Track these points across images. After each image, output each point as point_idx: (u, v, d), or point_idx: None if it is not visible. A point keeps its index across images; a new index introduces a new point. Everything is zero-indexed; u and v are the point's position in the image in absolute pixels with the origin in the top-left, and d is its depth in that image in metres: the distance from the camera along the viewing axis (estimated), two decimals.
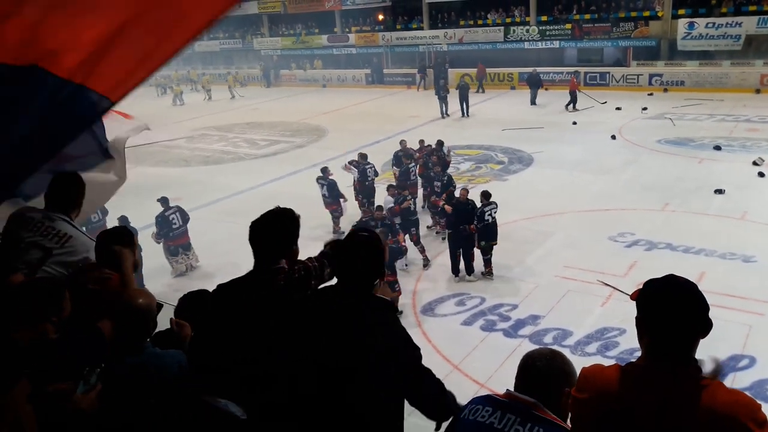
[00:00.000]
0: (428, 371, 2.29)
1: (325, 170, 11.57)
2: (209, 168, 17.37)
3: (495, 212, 9.22)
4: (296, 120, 24.67)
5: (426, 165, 11.96)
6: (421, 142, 13.26)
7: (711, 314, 1.66)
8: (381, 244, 2.35)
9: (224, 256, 9.85)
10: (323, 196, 11.48)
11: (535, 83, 24.11)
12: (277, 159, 18.56)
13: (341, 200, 11.56)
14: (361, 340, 2.15)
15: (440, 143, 12.85)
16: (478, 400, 2.00)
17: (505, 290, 8.86)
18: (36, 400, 2.29)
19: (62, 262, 3.01)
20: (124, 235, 3.04)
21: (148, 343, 2.60)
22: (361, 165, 11.91)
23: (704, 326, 1.65)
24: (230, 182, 15.55)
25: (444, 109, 22.75)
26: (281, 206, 2.56)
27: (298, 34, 38.94)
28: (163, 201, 10.07)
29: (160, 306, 2.83)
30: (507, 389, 1.98)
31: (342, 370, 2.14)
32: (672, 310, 1.65)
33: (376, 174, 12.07)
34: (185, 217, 10.14)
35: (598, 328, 7.51)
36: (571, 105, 22.26)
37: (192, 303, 3.17)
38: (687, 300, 1.66)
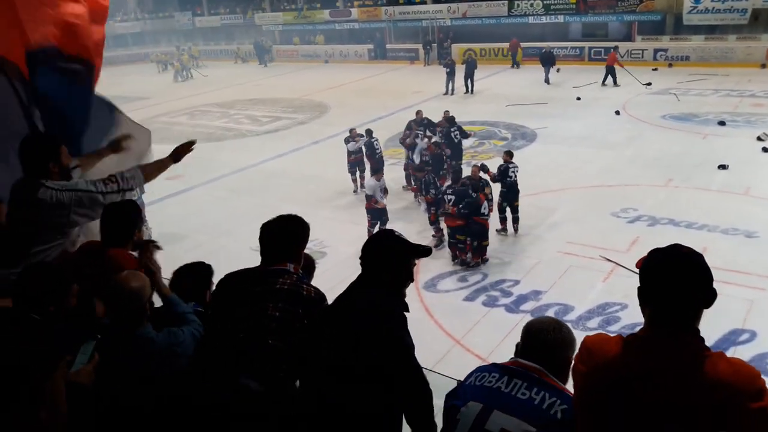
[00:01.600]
0: (420, 383, 2.27)
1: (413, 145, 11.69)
2: (211, 145, 17.30)
3: (517, 172, 9.51)
4: (298, 96, 24.49)
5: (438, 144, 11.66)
6: (446, 113, 12.51)
7: None
8: (390, 243, 2.35)
9: (215, 232, 9.90)
10: (411, 161, 11.62)
11: (548, 60, 23.23)
12: (279, 135, 18.47)
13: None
14: (355, 336, 2.20)
15: (452, 119, 12.29)
16: (483, 368, 2.06)
17: (507, 266, 8.88)
18: None
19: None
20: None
21: (147, 325, 2.54)
22: (368, 140, 12.00)
23: (708, 296, 1.63)
24: (232, 159, 15.51)
25: (451, 86, 22.23)
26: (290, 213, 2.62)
27: (299, 8, 38.45)
28: None
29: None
30: (512, 357, 2.04)
31: (337, 366, 2.20)
32: (675, 278, 1.64)
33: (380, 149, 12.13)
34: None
35: (600, 303, 7.54)
36: (611, 80, 21.42)
37: (188, 275, 3.24)
38: (690, 268, 1.65)
